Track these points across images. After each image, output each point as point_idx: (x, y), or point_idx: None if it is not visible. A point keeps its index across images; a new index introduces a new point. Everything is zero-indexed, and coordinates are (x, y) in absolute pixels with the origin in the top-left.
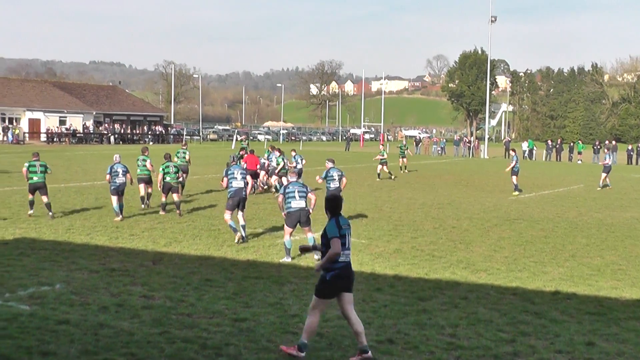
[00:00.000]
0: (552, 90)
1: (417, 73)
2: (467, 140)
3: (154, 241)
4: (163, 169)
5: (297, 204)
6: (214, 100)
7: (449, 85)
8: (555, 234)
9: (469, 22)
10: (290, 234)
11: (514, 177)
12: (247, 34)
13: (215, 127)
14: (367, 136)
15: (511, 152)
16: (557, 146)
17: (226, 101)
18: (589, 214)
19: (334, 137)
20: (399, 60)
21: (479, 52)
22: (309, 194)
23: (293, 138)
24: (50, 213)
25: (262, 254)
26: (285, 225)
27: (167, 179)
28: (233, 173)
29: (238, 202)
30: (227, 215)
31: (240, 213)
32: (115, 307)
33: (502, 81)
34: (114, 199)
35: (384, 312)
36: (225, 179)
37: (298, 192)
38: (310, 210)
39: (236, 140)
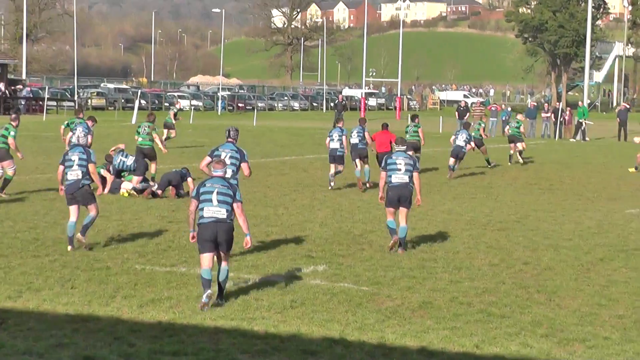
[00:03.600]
0: None
1: None
2: (551, 110)
3: None
4: None
5: (214, 212)
6: (100, 37)
7: (519, 10)
8: None
9: None
10: (210, 263)
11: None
12: None
13: (102, 84)
14: (372, 102)
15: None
16: None
17: (123, 39)
18: None
19: (314, 104)
20: None
21: None
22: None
23: (241, 105)
24: None
25: (183, 309)
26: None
27: None
28: (220, 154)
29: None
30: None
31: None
32: None
33: (616, 3)
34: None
35: None
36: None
37: (218, 193)
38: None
39: (138, 109)
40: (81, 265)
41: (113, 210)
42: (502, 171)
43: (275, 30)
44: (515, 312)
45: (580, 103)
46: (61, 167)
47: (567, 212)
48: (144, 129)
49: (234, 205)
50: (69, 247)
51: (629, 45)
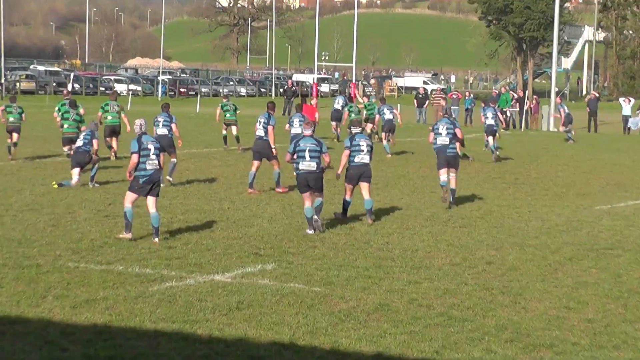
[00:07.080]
0: None
1: None
2: (516, 97)
3: None
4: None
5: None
6: (29, 15)
7: None
8: None
9: None
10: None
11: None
12: None
13: (32, 66)
14: (324, 88)
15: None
16: None
17: (54, 18)
18: None
19: (262, 89)
20: None
21: None
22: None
23: (183, 90)
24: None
25: (120, 310)
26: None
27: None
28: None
29: None
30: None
31: None
32: None
33: None
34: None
35: None
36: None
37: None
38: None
39: (72, 94)
40: (9, 263)
41: (44, 203)
42: (463, 164)
43: (220, 9)
44: (478, 315)
45: (502, 89)
46: (136, 157)
47: (534, 208)
48: (113, 108)
49: (323, 155)
50: (129, 235)
51: (599, 29)
